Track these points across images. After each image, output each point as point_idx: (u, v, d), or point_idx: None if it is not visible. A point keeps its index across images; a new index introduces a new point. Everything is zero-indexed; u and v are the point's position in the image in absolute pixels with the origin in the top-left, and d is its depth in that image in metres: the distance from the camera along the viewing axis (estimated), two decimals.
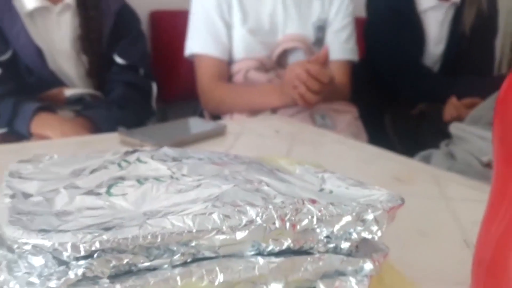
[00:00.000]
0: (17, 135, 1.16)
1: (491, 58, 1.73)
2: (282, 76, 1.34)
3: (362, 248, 0.40)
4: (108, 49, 1.38)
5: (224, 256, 0.34)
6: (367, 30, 1.74)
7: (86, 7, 1.36)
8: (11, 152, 0.82)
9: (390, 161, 0.84)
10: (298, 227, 0.35)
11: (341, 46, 1.49)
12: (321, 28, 1.48)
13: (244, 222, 0.33)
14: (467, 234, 0.59)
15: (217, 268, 0.33)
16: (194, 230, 0.32)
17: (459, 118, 1.27)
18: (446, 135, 1.09)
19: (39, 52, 1.26)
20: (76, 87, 1.33)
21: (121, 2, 1.40)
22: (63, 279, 0.29)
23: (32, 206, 0.35)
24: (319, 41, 1.48)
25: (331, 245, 0.38)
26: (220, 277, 0.33)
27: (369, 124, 1.44)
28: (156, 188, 0.38)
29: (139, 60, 1.41)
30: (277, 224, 0.34)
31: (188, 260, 0.33)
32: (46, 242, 0.29)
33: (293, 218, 0.34)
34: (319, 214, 0.35)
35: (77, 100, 1.31)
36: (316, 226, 0.36)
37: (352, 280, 0.38)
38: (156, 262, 0.32)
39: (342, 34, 1.49)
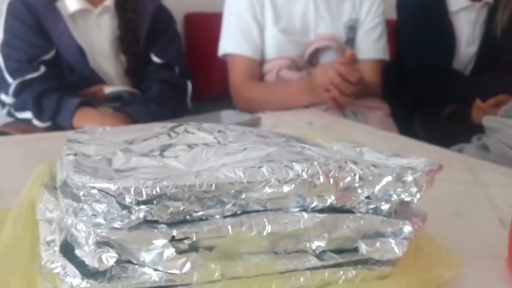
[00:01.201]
0: (60, 129, 1.21)
1: None
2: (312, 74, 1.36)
3: (402, 213, 0.41)
4: (145, 48, 1.43)
5: (271, 210, 0.36)
6: (398, 32, 1.75)
7: (124, 9, 1.41)
8: (58, 138, 0.86)
9: (423, 151, 0.85)
10: (341, 184, 0.37)
11: (371, 46, 1.51)
12: (352, 28, 1.49)
13: (290, 175, 0.35)
14: (502, 215, 0.60)
15: (265, 220, 0.35)
16: (245, 181, 0.34)
17: None
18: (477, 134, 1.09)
19: (81, 52, 1.31)
20: (115, 84, 1.38)
21: (157, 4, 1.45)
22: (126, 221, 0.32)
23: (93, 163, 0.37)
24: (350, 40, 1.49)
25: (372, 206, 0.39)
26: (268, 228, 0.35)
27: (399, 124, 1.44)
28: (205, 151, 0.40)
29: (175, 59, 1.45)
30: (322, 179, 0.36)
31: (238, 212, 0.36)
32: (111, 186, 0.32)
33: (336, 175, 0.36)
34: (361, 172, 0.37)
35: (116, 97, 1.36)
36: (357, 185, 0.38)
37: (392, 241, 0.40)
38: (209, 212, 0.35)
39: (373, 33, 1.51)
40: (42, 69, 1.27)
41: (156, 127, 0.50)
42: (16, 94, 1.25)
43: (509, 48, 1.54)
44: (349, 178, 0.37)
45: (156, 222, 0.33)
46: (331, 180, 0.36)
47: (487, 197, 0.67)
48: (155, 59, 1.43)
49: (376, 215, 0.39)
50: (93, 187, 0.32)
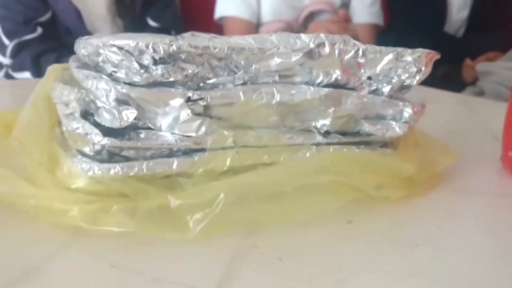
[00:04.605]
0: None
1: None
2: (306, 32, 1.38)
3: (401, 100, 0.43)
4: (141, 13, 1.43)
5: (279, 83, 0.38)
6: None
7: None
8: None
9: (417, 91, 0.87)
10: (345, 57, 0.39)
11: (366, 10, 1.52)
12: None
13: (298, 44, 0.37)
14: (496, 133, 0.62)
15: (274, 89, 0.37)
16: (256, 47, 0.36)
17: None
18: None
19: (77, 14, 1.32)
20: None
21: None
22: (145, 76, 0.34)
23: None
24: (345, 4, 1.51)
25: (373, 88, 0.41)
26: (277, 97, 0.37)
27: None
28: (215, 38, 0.42)
29: (171, 23, 1.46)
30: (327, 49, 0.38)
31: (248, 83, 0.37)
32: (131, 42, 0.34)
33: (341, 47, 0.38)
34: (364, 47, 0.39)
35: None
36: (360, 61, 0.39)
37: (393, 123, 0.42)
38: (221, 80, 0.36)
39: None
40: (39, 30, 1.27)
41: (163, 36, 0.52)
42: (14, 55, 1.26)
43: (502, 6, 1.56)
44: (352, 52, 0.39)
45: (172, 85, 0.35)
46: (336, 52, 0.38)
47: (480, 122, 0.69)
48: (152, 23, 1.44)
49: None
50: (113, 45, 0.34)
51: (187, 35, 0.49)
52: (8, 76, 1.29)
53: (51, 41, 1.28)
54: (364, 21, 1.52)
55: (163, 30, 1.44)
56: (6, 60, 1.27)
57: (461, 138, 0.61)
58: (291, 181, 0.35)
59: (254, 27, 1.46)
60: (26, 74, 1.25)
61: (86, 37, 0.39)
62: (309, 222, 0.36)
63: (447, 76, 1.49)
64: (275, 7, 1.45)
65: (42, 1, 1.30)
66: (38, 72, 1.23)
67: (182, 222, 0.33)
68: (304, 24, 1.48)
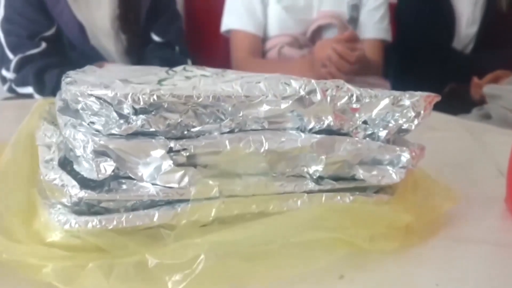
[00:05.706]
0: None
1: None
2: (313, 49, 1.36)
3: (399, 144, 0.41)
4: (145, 27, 1.42)
5: (269, 129, 0.36)
6: (398, 12, 1.74)
7: None
8: None
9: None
10: (338, 104, 0.37)
11: (374, 26, 1.50)
12: (355, 7, 1.49)
13: (288, 91, 0.35)
14: (502, 167, 0.60)
15: (262, 137, 0.35)
16: (243, 95, 0.34)
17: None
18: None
19: (81, 28, 1.31)
20: (116, 62, 1.38)
21: None
22: (124, 127, 0.32)
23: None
24: (353, 20, 1.49)
25: (369, 132, 0.39)
26: (266, 145, 0.35)
27: None
28: (203, 80, 0.40)
29: (175, 38, 1.44)
30: (319, 96, 0.36)
31: (236, 130, 0.36)
32: (109, 92, 0.32)
33: (334, 94, 0.36)
34: (358, 93, 0.37)
35: None
36: (355, 106, 0.38)
37: (390, 168, 0.40)
38: (206, 128, 0.35)
39: (376, 13, 1.50)
40: (43, 45, 1.27)
41: (155, 69, 0.51)
42: (17, 69, 1.25)
43: (510, 25, 1.54)
44: (346, 98, 0.37)
45: (154, 135, 0.34)
46: (328, 98, 0.36)
47: (486, 153, 0.67)
48: (156, 38, 1.43)
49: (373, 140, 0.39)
50: (91, 95, 0.32)
51: (179, 69, 0.48)
52: (11, 91, 1.29)
53: (54, 56, 1.27)
54: (373, 37, 1.50)
55: (167, 45, 1.43)
56: (10, 75, 1.27)
57: (465, 173, 0.59)
58: (278, 238, 0.33)
59: (260, 40, 1.45)
60: (29, 89, 1.24)
61: (69, 79, 0.38)
62: (297, 280, 0.34)
63: (455, 93, 1.47)
64: (282, 21, 1.44)
65: (47, 16, 1.30)
66: (41, 88, 1.23)
67: (160, 283, 0.31)
68: (312, 38, 1.46)
